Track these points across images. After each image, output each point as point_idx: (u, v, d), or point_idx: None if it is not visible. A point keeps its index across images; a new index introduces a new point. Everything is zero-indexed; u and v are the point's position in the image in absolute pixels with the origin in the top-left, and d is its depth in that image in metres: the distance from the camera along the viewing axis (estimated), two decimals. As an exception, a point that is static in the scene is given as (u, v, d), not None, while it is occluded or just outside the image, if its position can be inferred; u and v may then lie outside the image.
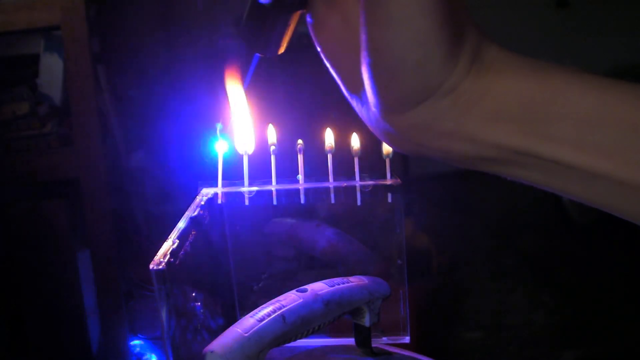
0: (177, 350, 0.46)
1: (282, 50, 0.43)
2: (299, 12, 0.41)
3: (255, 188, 0.58)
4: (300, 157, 0.58)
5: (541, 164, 0.35)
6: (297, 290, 0.51)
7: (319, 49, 0.41)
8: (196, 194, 0.58)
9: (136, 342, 1.46)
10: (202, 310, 0.53)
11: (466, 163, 0.37)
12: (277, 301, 0.49)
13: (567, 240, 2.58)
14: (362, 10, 0.34)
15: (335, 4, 0.38)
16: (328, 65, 0.41)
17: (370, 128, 0.39)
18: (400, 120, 0.36)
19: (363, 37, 0.34)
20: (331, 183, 0.58)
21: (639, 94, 0.33)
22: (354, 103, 0.40)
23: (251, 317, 0.47)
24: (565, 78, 0.34)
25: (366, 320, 0.54)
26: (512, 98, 0.34)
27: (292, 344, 0.50)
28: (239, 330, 0.46)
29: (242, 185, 0.58)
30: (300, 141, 0.59)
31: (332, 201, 0.58)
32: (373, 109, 0.37)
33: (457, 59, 0.34)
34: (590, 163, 0.33)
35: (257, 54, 0.44)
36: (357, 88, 0.39)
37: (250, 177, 0.58)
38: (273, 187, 0.58)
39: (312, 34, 0.41)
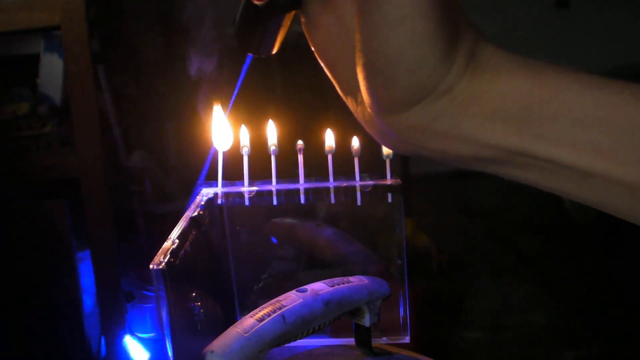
0: (177, 350, 0.46)
1: (275, 50, 0.42)
2: (293, 12, 0.41)
3: (255, 188, 0.58)
4: (300, 157, 0.58)
5: (538, 163, 0.35)
6: (297, 290, 0.51)
7: (313, 49, 0.41)
8: (196, 194, 0.58)
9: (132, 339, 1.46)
10: (202, 311, 0.53)
11: (463, 163, 0.37)
12: (277, 301, 0.49)
13: (567, 240, 2.58)
14: (357, 11, 0.34)
15: (330, 4, 0.38)
16: (323, 65, 0.41)
17: (366, 128, 0.39)
18: (396, 120, 0.36)
19: (358, 38, 0.34)
20: (331, 183, 0.58)
21: (636, 93, 0.33)
22: (350, 103, 0.40)
23: (251, 317, 0.47)
24: (561, 78, 0.34)
25: (366, 320, 0.54)
26: (508, 98, 0.34)
27: (292, 344, 0.50)
28: (239, 330, 0.46)
29: (242, 185, 0.58)
30: (300, 141, 0.59)
31: (332, 201, 0.58)
32: (368, 109, 0.37)
33: (453, 60, 0.34)
34: (587, 163, 0.33)
35: (251, 54, 0.44)
36: (352, 88, 0.39)
37: (250, 177, 0.58)
38: (273, 187, 0.58)
39: (306, 34, 0.40)
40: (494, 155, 0.35)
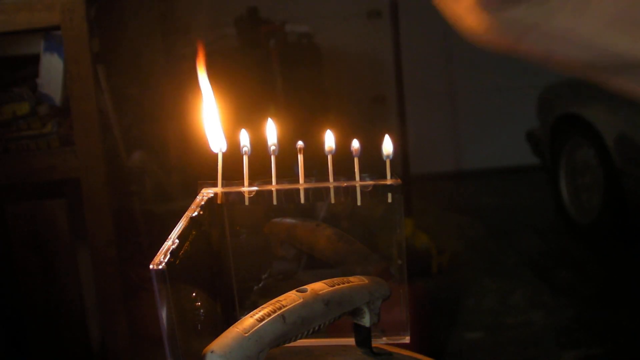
0: (177, 350, 0.46)
1: None
2: None
3: (255, 188, 0.58)
4: (300, 157, 0.58)
5: None
6: (297, 290, 0.51)
7: None
8: (196, 194, 0.58)
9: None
10: (202, 311, 0.53)
11: (569, 68, 0.34)
12: (277, 301, 0.49)
13: (567, 240, 2.58)
14: None
15: None
16: None
17: (456, 21, 0.36)
18: (505, 16, 0.33)
19: None
20: (331, 183, 0.58)
21: None
22: None
23: (251, 317, 0.47)
24: None
25: (366, 320, 0.54)
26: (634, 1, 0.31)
27: (292, 344, 0.50)
28: (239, 330, 0.46)
29: (242, 185, 0.58)
30: (300, 142, 0.59)
31: (332, 201, 0.58)
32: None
33: None
34: None
35: None
36: None
37: (249, 177, 0.58)
38: (273, 187, 0.58)
39: None
40: (610, 63, 0.32)
